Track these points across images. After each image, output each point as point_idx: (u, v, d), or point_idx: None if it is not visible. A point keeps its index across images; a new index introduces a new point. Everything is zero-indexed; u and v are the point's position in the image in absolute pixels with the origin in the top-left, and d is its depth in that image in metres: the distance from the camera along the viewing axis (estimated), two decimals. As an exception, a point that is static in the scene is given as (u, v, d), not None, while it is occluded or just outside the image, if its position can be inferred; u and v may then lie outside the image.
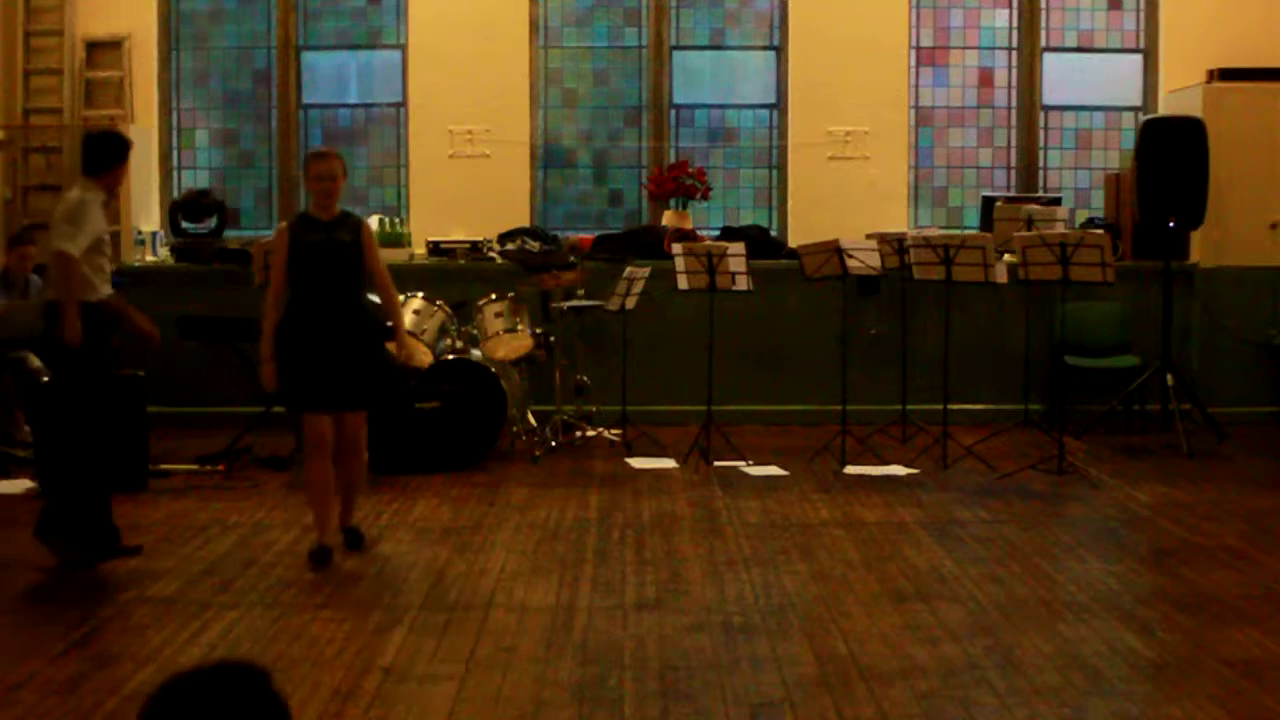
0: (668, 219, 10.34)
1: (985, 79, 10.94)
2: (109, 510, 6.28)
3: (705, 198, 10.47)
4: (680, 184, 10.34)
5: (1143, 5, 10.83)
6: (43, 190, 10.38)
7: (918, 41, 10.84)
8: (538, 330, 9.02)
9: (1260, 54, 10.22)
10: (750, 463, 8.57)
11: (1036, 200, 9.97)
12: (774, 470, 8.40)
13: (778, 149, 10.83)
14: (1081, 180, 10.98)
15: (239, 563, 6.25)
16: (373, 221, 10.28)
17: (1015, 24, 10.88)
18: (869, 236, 9.21)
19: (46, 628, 5.32)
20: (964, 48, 10.92)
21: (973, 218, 10.66)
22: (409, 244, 10.24)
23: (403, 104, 10.73)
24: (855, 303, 9.56)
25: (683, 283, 8.71)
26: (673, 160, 10.67)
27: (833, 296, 9.07)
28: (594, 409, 9.45)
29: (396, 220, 10.37)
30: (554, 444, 8.94)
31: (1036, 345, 9.56)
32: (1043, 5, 10.84)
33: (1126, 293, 9.78)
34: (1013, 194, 10.54)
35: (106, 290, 6.27)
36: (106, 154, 6.31)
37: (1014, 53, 10.91)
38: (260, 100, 10.87)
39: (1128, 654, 5.02)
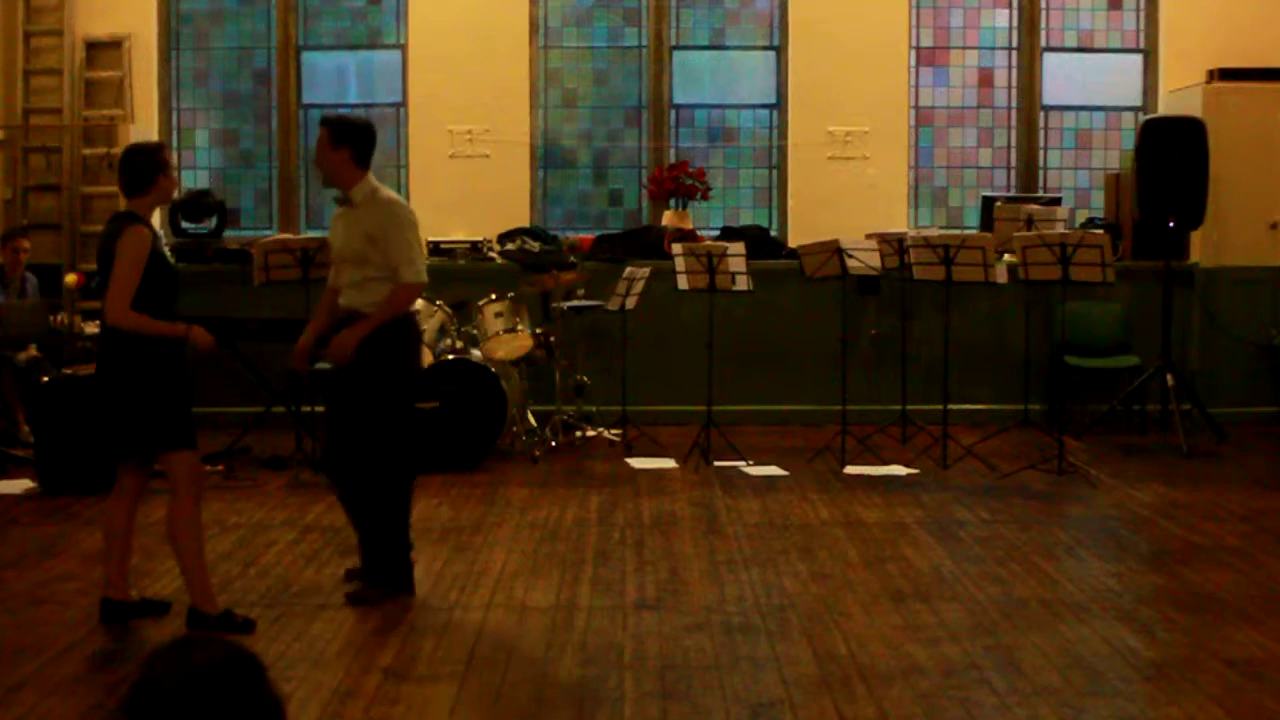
0: (668, 219, 10.33)
1: (985, 79, 10.94)
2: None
3: (705, 198, 10.47)
4: (680, 184, 10.34)
5: (1143, 5, 10.82)
6: (42, 190, 10.38)
7: (918, 41, 10.84)
8: (538, 330, 9.02)
9: (1260, 54, 10.22)
10: (750, 463, 8.56)
11: (1036, 200, 9.97)
12: (774, 470, 8.40)
13: (778, 149, 10.83)
14: (1081, 180, 10.98)
15: (239, 563, 6.25)
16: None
17: (1015, 24, 10.88)
18: (869, 236, 9.20)
19: (46, 628, 5.32)
20: (964, 48, 10.92)
21: (973, 218, 10.65)
22: (409, 244, 10.21)
23: (403, 104, 10.72)
24: (855, 303, 9.56)
25: (683, 283, 8.70)
26: (673, 160, 10.67)
27: (833, 296, 9.08)
28: (594, 409, 9.45)
29: (396, 220, 10.34)
30: (554, 444, 8.93)
31: (1036, 345, 9.55)
32: (1043, 5, 10.84)
33: (1126, 293, 9.78)
34: (1013, 194, 10.54)
35: (343, 300, 5.80)
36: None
37: (1014, 53, 10.91)
38: (260, 100, 10.87)
39: (1128, 654, 5.01)
